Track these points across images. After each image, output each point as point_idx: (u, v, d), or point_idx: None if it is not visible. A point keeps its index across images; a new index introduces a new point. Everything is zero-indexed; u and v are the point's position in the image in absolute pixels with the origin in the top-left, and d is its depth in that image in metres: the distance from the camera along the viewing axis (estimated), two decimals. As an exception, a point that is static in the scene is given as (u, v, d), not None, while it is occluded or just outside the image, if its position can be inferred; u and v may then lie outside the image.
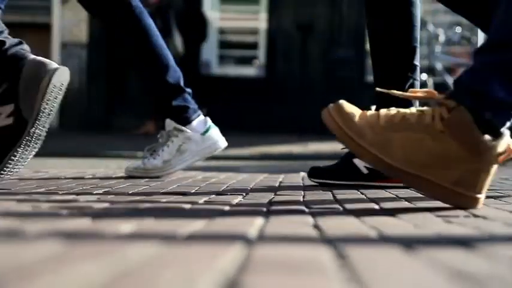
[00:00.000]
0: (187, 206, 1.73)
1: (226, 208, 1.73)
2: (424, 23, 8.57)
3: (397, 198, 2.10)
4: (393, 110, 1.77)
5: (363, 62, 10.43)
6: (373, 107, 2.40)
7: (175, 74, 3.11)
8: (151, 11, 9.00)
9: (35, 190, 2.23)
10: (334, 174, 2.61)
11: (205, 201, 1.93)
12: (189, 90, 3.16)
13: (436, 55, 8.36)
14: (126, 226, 1.29)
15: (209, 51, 10.74)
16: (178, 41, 9.09)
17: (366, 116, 1.77)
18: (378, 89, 2.05)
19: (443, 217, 1.58)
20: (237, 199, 2.02)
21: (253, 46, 10.91)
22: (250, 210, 1.68)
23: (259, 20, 10.90)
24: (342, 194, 2.23)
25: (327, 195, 2.20)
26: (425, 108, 1.75)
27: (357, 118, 1.76)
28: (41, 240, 1.09)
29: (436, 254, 1.04)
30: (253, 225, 1.37)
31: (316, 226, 1.39)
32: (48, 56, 9.43)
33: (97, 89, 10.45)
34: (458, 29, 8.56)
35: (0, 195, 1.99)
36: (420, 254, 1.03)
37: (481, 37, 8.30)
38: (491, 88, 1.65)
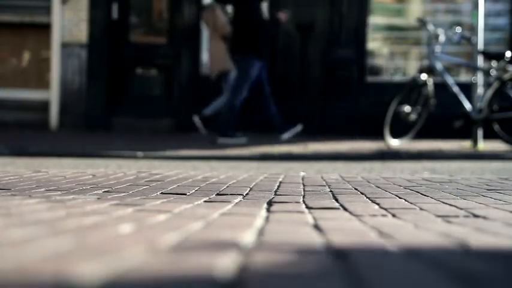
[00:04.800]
0: (187, 206, 1.73)
1: (226, 208, 1.72)
2: (424, 23, 8.56)
3: (397, 198, 2.10)
4: None
5: (363, 62, 10.42)
6: None
7: None
8: None
9: (35, 190, 2.23)
10: None
11: (205, 201, 1.93)
12: None
13: (436, 55, 8.35)
14: (126, 226, 1.29)
15: (209, 51, 10.74)
16: None
17: None
18: None
19: (443, 217, 1.58)
20: (237, 199, 2.01)
21: (253, 46, 10.91)
22: (250, 210, 1.67)
23: (259, 20, 10.89)
24: (342, 194, 2.23)
25: (327, 195, 2.20)
26: None
27: None
28: (41, 240, 1.09)
29: (436, 254, 1.03)
30: (253, 225, 1.37)
31: (316, 226, 1.38)
32: (48, 56, 9.34)
33: (97, 89, 10.44)
34: (458, 29, 8.55)
35: (1, 195, 1.99)
36: (420, 254, 1.03)
37: (481, 37, 8.30)
38: None
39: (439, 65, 8.38)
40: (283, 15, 8.70)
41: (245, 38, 8.65)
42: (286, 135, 8.71)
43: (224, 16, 9.25)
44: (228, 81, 9.35)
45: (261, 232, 1.26)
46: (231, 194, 2.17)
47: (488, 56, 8.34)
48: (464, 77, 9.95)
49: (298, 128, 8.71)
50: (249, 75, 8.62)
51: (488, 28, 9.29)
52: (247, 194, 2.21)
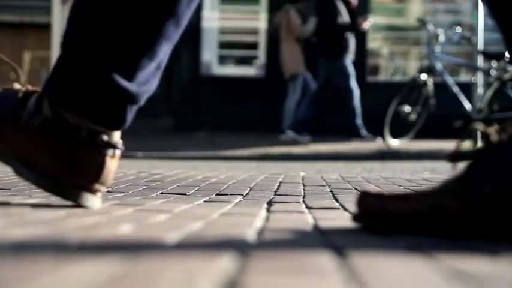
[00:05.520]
0: (187, 206, 1.73)
1: (226, 208, 1.72)
2: (424, 23, 8.57)
3: (397, 198, 2.10)
4: None
5: (363, 62, 10.43)
6: None
7: None
8: None
9: (35, 190, 2.23)
10: None
11: (205, 201, 1.93)
12: None
13: (436, 55, 8.35)
14: (126, 226, 1.29)
15: (209, 51, 10.73)
16: None
17: None
18: None
19: (443, 217, 1.58)
20: (237, 199, 2.02)
21: (253, 46, 10.91)
22: (250, 210, 1.68)
23: (259, 20, 10.89)
24: (342, 194, 2.23)
25: (327, 195, 2.20)
26: None
27: None
28: (41, 240, 1.09)
29: (436, 254, 1.03)
30: (253, 225, 1.37)
31: (316, 226, 1.38)
32: (48, 56, 9.36)
33: (97, 89, 10.46)
34: (458, 29, 8.55)
35: (1, 196, 1.99)
36: (420, 254, 1.03)
37: (481, 37, 8.30)
38: None
39: (439, 65, 8.38)
40: (363, 21, 8.72)
41: (331, 40, 8.70)
42: (289, 134, 8.75)
43: (298, 18, 9.23)
44: (297, 84, 9.33)
45: (260, 232, 1.26)
46: (231, 194, 2.17)
47: (488, 56, 8.34)
48: (464, 77, 9.95)
49: (305, 139, 8.77)
50: (348, 73, 8.71)
51: (488, 28, 9.29)
52: (247, 194, 2.21)
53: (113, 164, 1.65)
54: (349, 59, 8.82)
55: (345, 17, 8.77)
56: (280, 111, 9.38)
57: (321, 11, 8.83)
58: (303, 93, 9.23)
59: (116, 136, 1.66)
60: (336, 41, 8.69)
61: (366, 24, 8.77)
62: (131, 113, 1.66)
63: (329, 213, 1.67)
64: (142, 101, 1.67)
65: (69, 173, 1.62)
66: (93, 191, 1.64)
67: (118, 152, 1.66)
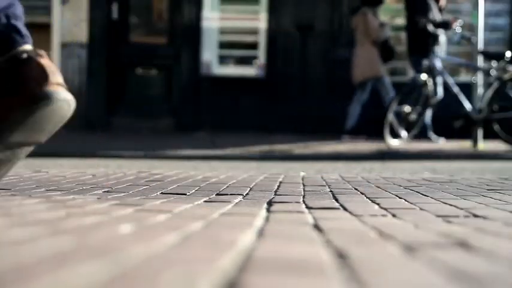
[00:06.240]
0: (187, 206, 1.73)
1: (226, 208, 1.73)
2: (424, 23, 8.56)
3: (397, 198, 2.10)
4: None
5: (363, 62, 10.44)
6: None
7: None
8: None
9: (35, 190, 2.23)
10: None
11: (205, 201, 1.93)
12: None
13: (436, 55, 8.35)
14: (126, 226, 1.29)
15: (209, 51, 10.73)
16: None
17: None
18: None
19: (443, 217, 1.58)
20: (237, 199, 2.02)
21: (253, 46, 10.91)
22: (250, 210, 1.68)
23: (259, 20, 10.89)
24: (342, 194, 2.23)
25: (327, 195, 2.20)
26: None
27: None
28: (41, 240, 1.09)
29: (436, 254, 1.03)
30: (253, 225, 1.37)
31: (316, 226, 1.38)
32: (48, 56, 9.49)
33: (97, 89, 10.45)
34: (458, 29, 8.55)
35: (1, 195, 1.99)
36: (420, 254, 1.03)
37: (481, 37, 8.30)
38: None
39: (439, 65, 8.37)
40: (455, 21, 8.61)
41: (418, 39, 8.59)
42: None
43: (375, 20, 9.17)
44: (384, 86, 9.25)
45: (261, 232, 1.26)
46: (231, 194, 2.17)
47: (488, 56, 8.33)
48: (464, 77, 9.95)
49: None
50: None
51: (488, 28, 9.29)
52: (247, 194, 2.21)
53: (44, 60, 1.92)
54: (432, 58, 8.56)
55: (436, 15, 8.64)
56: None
57: (412, 7, 8.71)
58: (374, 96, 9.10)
59: (27, 46, 1.95)
60: (424, 39, 8.53)
61: (456, 25, 8.64)
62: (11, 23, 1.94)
63: (329, 213, 1.67)
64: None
65: (22, 91, 1.87)
66: (53, 85, 1.89)
67: (42, 53, 1.93)
